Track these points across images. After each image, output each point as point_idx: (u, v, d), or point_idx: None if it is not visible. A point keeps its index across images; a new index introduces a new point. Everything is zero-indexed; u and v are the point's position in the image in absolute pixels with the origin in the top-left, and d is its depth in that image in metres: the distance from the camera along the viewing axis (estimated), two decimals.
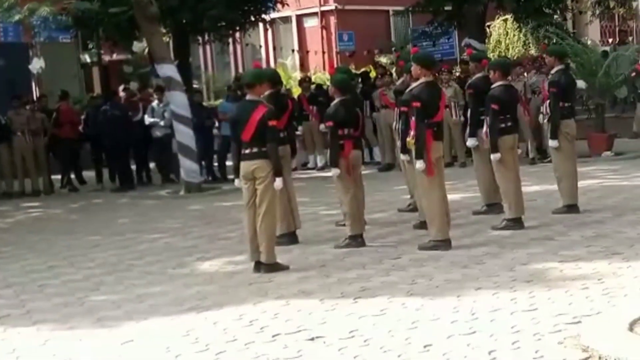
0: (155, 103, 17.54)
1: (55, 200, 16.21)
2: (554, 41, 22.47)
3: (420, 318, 6.53)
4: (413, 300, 7.06)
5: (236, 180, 8.96)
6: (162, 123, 17.12)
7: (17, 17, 15.08)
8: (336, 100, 9.63)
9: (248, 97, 8.83)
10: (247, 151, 8.62)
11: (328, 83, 19.13)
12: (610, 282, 7.11)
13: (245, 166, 8.64)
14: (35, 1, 16.05)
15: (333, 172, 9.53)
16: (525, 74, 16.27)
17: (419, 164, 8.86)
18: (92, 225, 13.03)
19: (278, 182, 8.61)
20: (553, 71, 10.45)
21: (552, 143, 10.33)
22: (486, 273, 7.81)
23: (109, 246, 11.02)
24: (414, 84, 9.08)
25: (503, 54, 25.28)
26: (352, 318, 6.72)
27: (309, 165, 18.45)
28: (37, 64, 14.10)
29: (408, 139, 8.97)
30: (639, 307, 6.15)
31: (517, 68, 15.58)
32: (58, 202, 16.06)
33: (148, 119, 17.36)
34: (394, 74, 16.52)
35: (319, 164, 18.00)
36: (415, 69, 9.02)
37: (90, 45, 25.55)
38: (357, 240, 9.53)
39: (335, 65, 12.74)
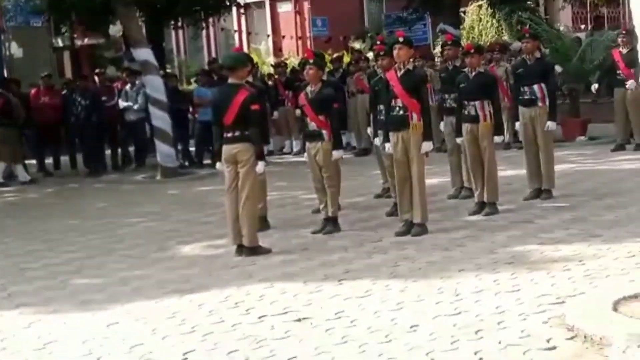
0: (128, 87, 17.46)
1: (29, 185, 16.06)
2: (527, 26, 22.71)
3: (405, 299, 6.59)
4: (397, 282, 7.12)
5: (217, 164, 8.95)
6: (135, 107, 17.03)
7: None
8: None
9: (230, 80, 8.82)
10: (229, 135, 8.62)
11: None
12: (591, 264, 7.20)
13: (227, 150, 8.65)
14: None
15: (338, 154, 9.55)
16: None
17: (429, 146, 8.93)
18: (70, 210, 12.97)
19: (260, 166, 8.65)
20: (538, 55, 10.50)
21: (553, 126, 10.37)
22: (467, 255, 7.88)
23: (88, 230, 10.97)
24: (409, 66, 9.07)
25: (476, 39, 25.36)
26: (337, 300, 6.77)
27: (285, 150, 18.44)
28: (17, 50, 13.98)
29: (414, 122, 8.95)
30: (621, 287, 6.25)
31: (495, 53, 15.64)
32: (33, 187, 15.93)
33: (122, 103, 17.28)
34: (370, 59, 16.58)
35: (295, 149, 17.99)
36: (408, 52, 9.03)
37: (63, 30, 25.32)
38: (337, 222, 9.59)
39: (311, 50, 12.68)
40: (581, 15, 31.06)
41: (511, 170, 12.00)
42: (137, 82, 17.19)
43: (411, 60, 9.31)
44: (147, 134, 17.39)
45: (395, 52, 9.07)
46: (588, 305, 5.90)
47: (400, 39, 9.06)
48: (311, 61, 9.75)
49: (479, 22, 26.94)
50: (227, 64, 8.95)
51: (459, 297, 6.54)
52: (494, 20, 26.32)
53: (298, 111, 16.46)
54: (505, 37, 24.54)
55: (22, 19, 23.35)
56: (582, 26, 29.95)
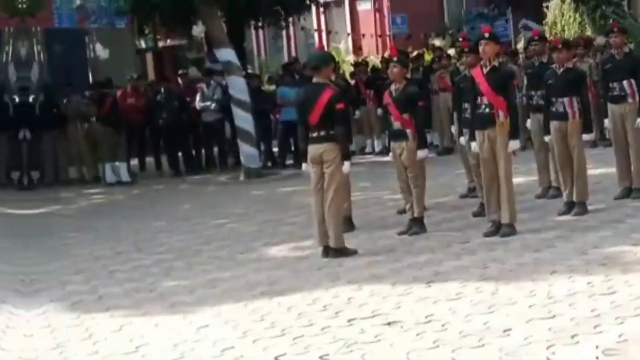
0: (204, 86, 17.59)
1: (115, 186, 16.33)
2: (610, 22, 22.17)
3: (497, 302, 6.48)
4: (487, 285, 7.00)
5: (304, 165, 8.94)
6: (212, 107, 17.10)
7: (77, 2, 15.22)
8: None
9: (315, 79, 8.79)
10: (315, 134, 8.60)
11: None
12: None
13: (312, 150, 8.63)
14: None
15: (423, 153, 9.46)
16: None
17: (516, 144, 8.80)
18: (156, 211, 13.14)
19: (346, 166, 8.61)
20: (626, 50, 10.24)
21: None
22: (559, 257, 7.72)
23: (175, 232, 11.10)
24: (495, 63, 8.92)
25: (559, 35, 24.90)
26: (426, 303, 6.69)
27: (367, 150, 18.36)
28: (102, 52, 14.26)
29: (500, 120, 8.81)
30: None
31: (579, 49, 15.30)
32: (119, 188, 16.18)
33: (199, 104, 17.32)
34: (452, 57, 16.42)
35: (377, 149, 17.89)
36: (494, 47, 8.89)
37: (146, 31, 25.65)
38: (423, 223, 9.51)
39: (395, 48, 12.53)
40: None
41: (600, 169, 11.70)
42: (212, 82, 17.33)
43: (497, 56, 9.14)
44: (225, 135, 17.50)
45: (481, 48, 8.93)
46: None
47: (486, 35, 8.91)
48: (395, 59, 9.69)
49: (561, 17, 26.43)
50: (312, 64, 8.92)
51: (552, 299, 6.40)
52: (577, 15, 25.80)
53: (380, 110, 16.52)
54: (589, 32, 24.04)
55: (106, 21, 23.74)
56: None
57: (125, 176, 16.62)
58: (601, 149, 13.86)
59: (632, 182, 10.17)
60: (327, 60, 8.90)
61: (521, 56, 17.47)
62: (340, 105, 8.57)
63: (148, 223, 12.01)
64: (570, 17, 25.93)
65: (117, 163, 16.56)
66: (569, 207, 9.64)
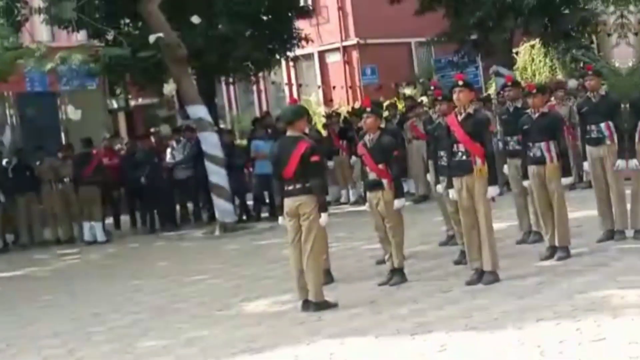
0: (174, 143, 17.61)
1: (90, 246, 16.10)
2: (581, 65, 22.35)
3: (484, 353, 6.32)
4: (473, 335, 6.85)
5: (280, 219, 8.79)
6: (183, 164, 17.09)
7: (49, 66, 15.16)
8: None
9: (288, 133, 8.69)
10: (291, 187, 8.47)
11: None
12: None
13: (289, 203, 8.49)
14: (66, 49, 16.16)
15: (400, 203, 9.32)
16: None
17: (495, 190, 8.70)
18: (132, 270, 12.91)
19: (324, 218, 8.46)
20: (603, 92, 10.21)
21: (623, 164, 10.00)
22: (544, 303, 7.58)
23: (152, 290, 10.89)
24: (470, 110, 8.86)
25: (530, 80, 25.10)
26: (412, 356, 6.52)
27: (342, 200, 18.25)
28: (73, 114, 14.17)
29: (478, 167, 8.72)
30: None
31: (558, 92, 15.37)
32: (94, 247, 15.95)
33: (170, 161, 17.39)
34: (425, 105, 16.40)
35: (352, 199, 17.79)
36: (468, 95, 8.85)
37: (117, 91, 25.59)
38: (403, 273, 9.36)
39: (365, 99, 12.37)
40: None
41: (580, 212, 11.65)
42: (181, 138, 17.31)
43: (471, 103, 9.09)
44: (198, 190, 17.39)
45: (455, 96, 8.88)
46: None
47: (460, 82, 8.87)
48: (369, 109, 9.60)
49: (531, 62, 26.70)
50: (286, 117, 8.81)
51: (541, 348, 6.25)
52: (547, 60, 26.06)
53: (354, 159, 16.46)
54: (560, 76, 24.26)
55: (78, 83, 23.66)
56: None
57: (100, 236, 16.47)
58: (579, 191, 13.83)
59: (614, 225, 10.10)
60: (300, 113, 8.79)
61: (494, 102, 17.51)
62: (315, 158, 8.45)
63: (124, 282, 11.77)
64: (540, 61, 26.24)
65: (92, 223, 16.40)
66: (552, 251, 9.54)
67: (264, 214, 16.79)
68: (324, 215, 8.47)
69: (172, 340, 8.07)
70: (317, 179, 8.47)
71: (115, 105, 28.46)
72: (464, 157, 8.80)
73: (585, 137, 10.30)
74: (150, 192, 16.95)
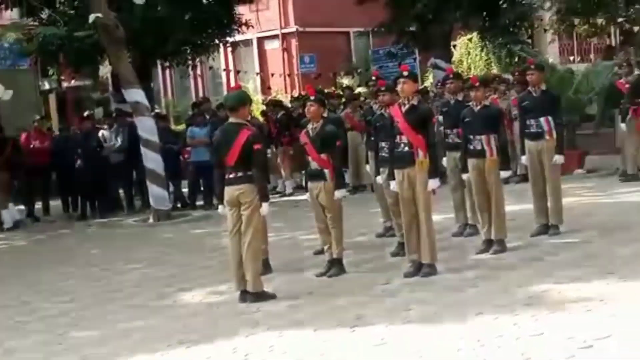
0: (106, 128, 17.28)
1: (18, 232, 15.70)
2: (516, 60, 22.56)
3: (424, 347, 6.27)
4: (412, 328, 6.81)
5: (220, 207, 8.64)
6: (117, 146, 16.73)
7: None
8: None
9: (231, 120, 8.54)
10: (232, 176, 8.33)
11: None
12: (613, 303, 6.91)
13: (229, 191, 8.34)
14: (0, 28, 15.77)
15: (340, 193, 9.24)
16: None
17: (435, 183, 8.66)
18: (62, 257, 12.61)
19: (265, 208, 8.34)
20: (543, 87, 10.26)
21: (561, 159, 10.14)
22: (482, 297, 7.58)
23: (83, 278, 10.64)
24: (414, 102, 8.80)
25: (465, 73, 25.25)
26: (351, 349, 6.45)
27: (278, 189, 18.12)
28: (4, 94, 13.76)
29: (420, 159, 8.68)
30: None
31: (500, 86, 15.44)
32: (22, 233, 15.57)
33: (107, 145, 16.96)
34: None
35: (288, 189, 17.67)
36: (412, 86, 8.80)
37: (50, 72, 25.06)
38: (342, 264, 9.30)
39: (311, 87, 12.09)
40: (568, 48, 31.09)
41: (515, 205, 11.71)
42: (115, 123, 17.01)
43: (414, 94, 9.04)
44: (132, 176, 17.09)
45: (399, 87, 8.82)
46: (619, 349, 5.62)
47: (405, 73, 8.81)
48: (312, 97, 9.50)
49: (467, 56, 26.86)
50: (229, 104, 8.64)
51: (480, 342, 6.23)
52: (483, 54, 26.23)
53: (291, 150, 16.30)
54: (494, 70, 24.44)
55: (10, 62, 23.09)
56: (571, 58, 29.94)
57: (7, 222, 16.03)
58: (512, 185, 13.92)
59: (549, 219, 10.18)
60: (244, 100, 8.62)
61: (431, 94, 17.56)
62: (258, 146, 8.31)
63: (54, 270, 11.48)
64: (476, 55, 26.40)
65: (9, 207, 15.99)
66: (488, 244, 9.57)
67: (199, 202, 16.56)
68: (265, 205, 8.35)
69: (105, 330, 7.89)
70: (259, 168, 8.35)
71: (47, 87, 27.90)
72: (406, 149, 8.75)
73: (524, 131, 10.35)
74: (85, 176, 16.57)
